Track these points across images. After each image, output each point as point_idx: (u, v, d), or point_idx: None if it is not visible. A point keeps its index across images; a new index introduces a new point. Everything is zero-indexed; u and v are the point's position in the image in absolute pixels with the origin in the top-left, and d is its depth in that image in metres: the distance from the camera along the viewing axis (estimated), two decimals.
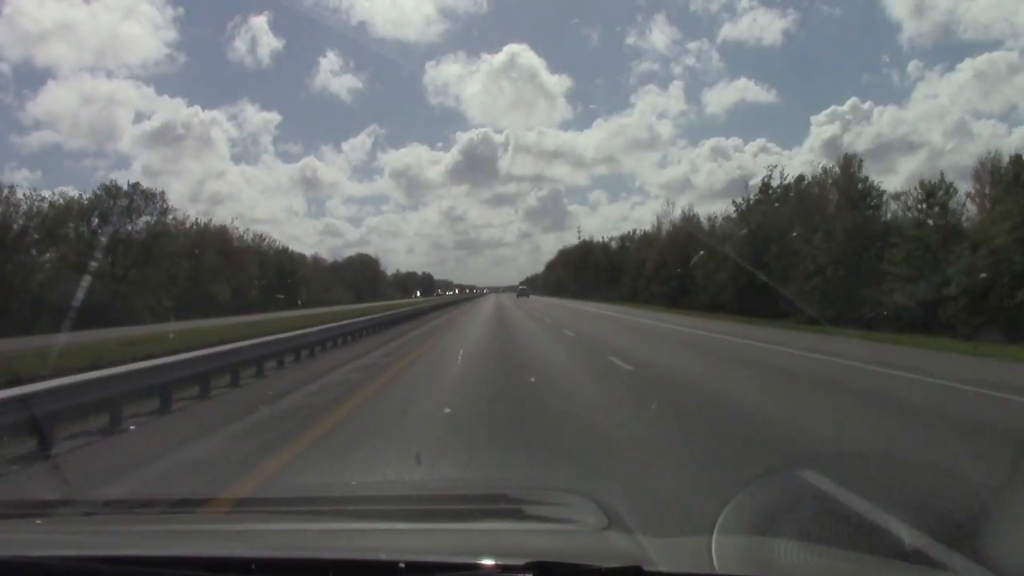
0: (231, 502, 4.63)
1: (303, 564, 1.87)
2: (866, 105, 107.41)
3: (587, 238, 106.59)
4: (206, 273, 47.16)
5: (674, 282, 52.73)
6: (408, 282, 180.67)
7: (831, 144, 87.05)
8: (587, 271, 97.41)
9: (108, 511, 3.65)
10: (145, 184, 48.24)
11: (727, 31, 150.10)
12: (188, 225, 53.74)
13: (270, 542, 2.20)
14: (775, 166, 49.74)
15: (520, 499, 3.09)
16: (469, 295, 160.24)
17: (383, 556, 1.82)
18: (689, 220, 56.88)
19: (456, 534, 2.34)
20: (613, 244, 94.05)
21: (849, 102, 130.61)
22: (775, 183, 41.50)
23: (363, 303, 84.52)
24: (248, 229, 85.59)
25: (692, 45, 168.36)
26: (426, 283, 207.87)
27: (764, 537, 2.58)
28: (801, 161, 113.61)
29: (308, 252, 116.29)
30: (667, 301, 51.88)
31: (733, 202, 45.31)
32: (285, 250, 76.34)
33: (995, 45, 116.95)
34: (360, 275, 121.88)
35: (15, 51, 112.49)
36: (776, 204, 39.20)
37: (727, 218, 49.82)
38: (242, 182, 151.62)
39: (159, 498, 4.57)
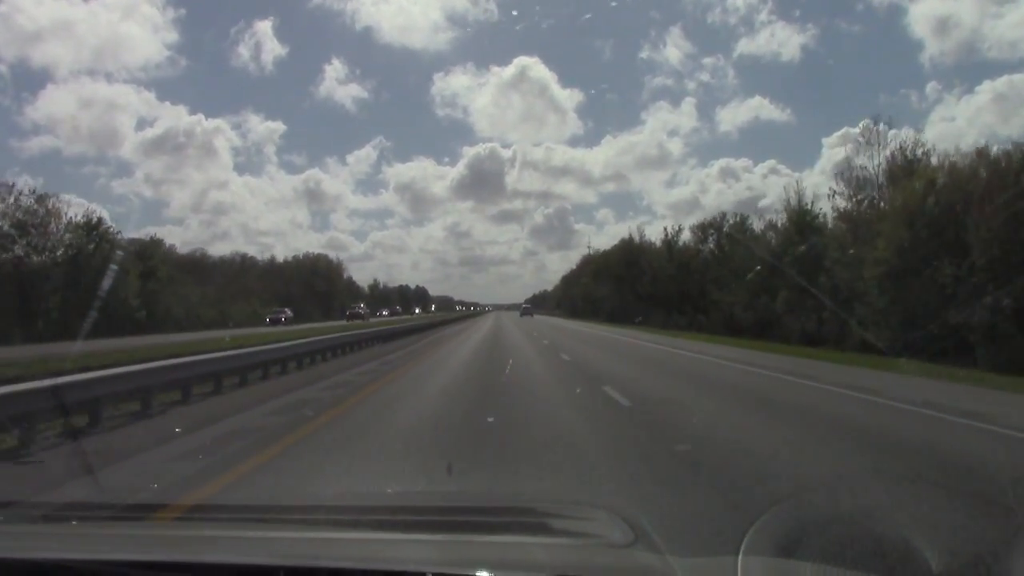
0: (187, 507, 4.48)
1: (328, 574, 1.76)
2: (880, 127, 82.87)
3: (634, 236, 70.77)
4: None
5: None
6: (396, 296, 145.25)
7: (842, 167, 63.29)
8: (635, 283, 62.21)
9: (63, 514, 3.52)
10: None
11: (744, 46, 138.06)
12: None
13: (274, 549, 2.07)
14: None
15: (546, 512, 2.95)
16: (462, 313, 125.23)
17: (411, 567, 1.77)
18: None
19: (480, 546, 2.21)
20: (683, 239, 58.98)
21: (862, 123, 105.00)
22: None
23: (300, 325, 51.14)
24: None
25: (707, 60, 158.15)
26: (420, 297, 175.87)
27: (790, 559, 2.52)
28: (812, 183, 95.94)
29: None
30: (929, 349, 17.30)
31: None
32: (98, 224, 41.64)
33: (1020, 65, 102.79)
34: (306, 285, 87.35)
35: (13, 52, 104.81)
36: None
37: None
38: (245, 192, 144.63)
39: (115, 501, 4.45)
